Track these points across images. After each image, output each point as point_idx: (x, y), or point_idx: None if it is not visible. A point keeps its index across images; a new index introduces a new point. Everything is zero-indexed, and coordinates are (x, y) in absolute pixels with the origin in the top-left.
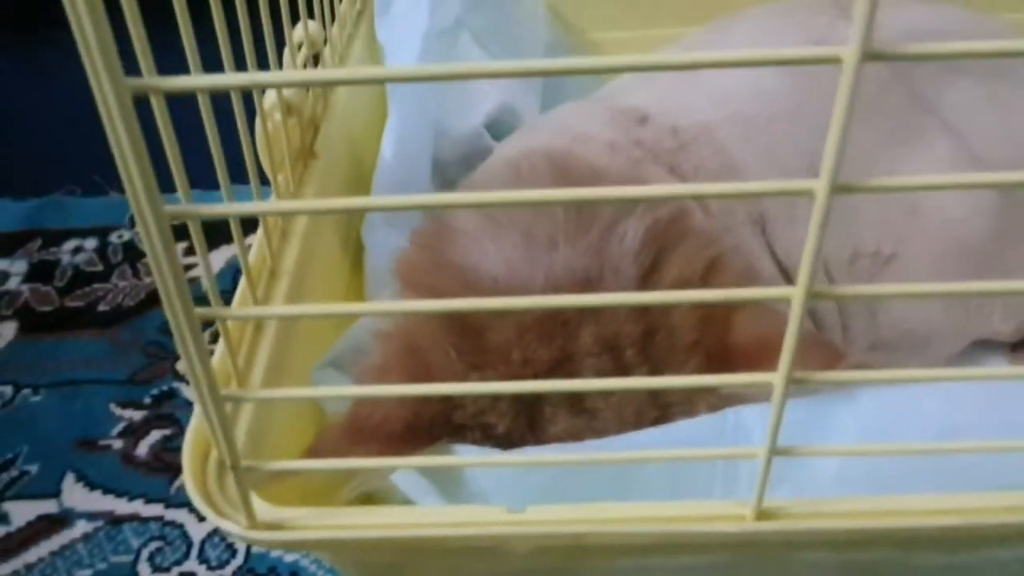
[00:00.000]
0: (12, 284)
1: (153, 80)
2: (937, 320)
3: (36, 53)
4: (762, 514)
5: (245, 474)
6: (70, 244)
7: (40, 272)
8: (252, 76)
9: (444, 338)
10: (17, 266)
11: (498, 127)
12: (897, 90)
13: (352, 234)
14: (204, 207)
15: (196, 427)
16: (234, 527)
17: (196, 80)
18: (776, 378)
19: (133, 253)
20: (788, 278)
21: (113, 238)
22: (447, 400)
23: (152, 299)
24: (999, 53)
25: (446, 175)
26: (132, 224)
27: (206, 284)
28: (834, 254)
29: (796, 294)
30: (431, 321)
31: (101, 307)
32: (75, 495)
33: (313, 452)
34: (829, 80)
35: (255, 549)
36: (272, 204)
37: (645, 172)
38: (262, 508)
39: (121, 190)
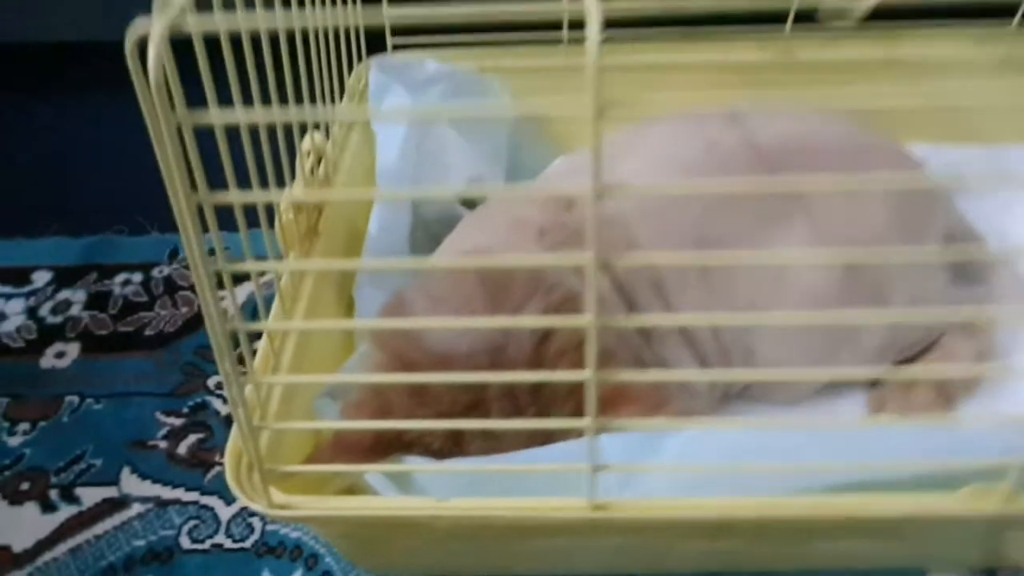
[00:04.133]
0: (75, 311)
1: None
2: (798, 364)
3: (86, 107)
4: (596, 507)
5: (267, 473)
6: (120, 277)
7: (97, 301)
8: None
9: (399, 384)
10: (78, 295)
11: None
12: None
13: (346, 293)
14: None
15: (233, 441)
16: (258, 507)
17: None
18: (587, 423)
19: (172, 286)
20: (683, 330)
21: (155, 273)
22: None
23: (187, 326)
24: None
25: (430, 231)
26: (170, 260)
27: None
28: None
29: (588, 375)
30: (391, 372)
31: (147, 332)
32: (131, 483)
33: (312, 460)
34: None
35: (268, 527)
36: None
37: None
38: (276, 495)
39: (161, 229)
